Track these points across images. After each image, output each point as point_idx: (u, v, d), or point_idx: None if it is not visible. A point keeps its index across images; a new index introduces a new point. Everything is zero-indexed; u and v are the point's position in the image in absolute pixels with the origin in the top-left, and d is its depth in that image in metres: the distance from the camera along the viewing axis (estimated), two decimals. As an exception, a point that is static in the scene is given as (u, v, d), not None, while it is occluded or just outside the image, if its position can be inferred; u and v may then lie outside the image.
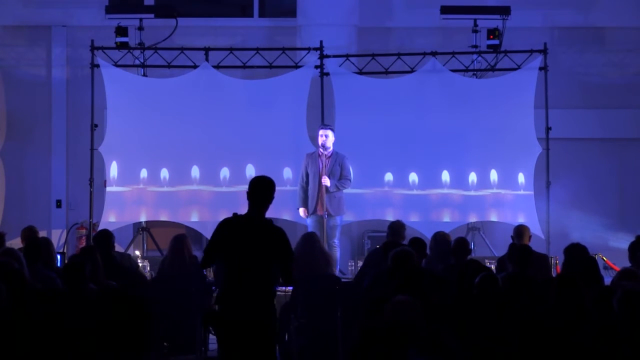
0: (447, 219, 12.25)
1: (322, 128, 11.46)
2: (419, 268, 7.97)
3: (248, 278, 6.51)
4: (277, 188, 12.44)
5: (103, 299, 4.20)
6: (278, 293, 10.20)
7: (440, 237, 9.86)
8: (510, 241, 10.06)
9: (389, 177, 12.33)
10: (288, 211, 12.08)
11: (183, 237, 9.52)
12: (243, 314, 6.48)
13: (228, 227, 6.60)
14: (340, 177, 11.36)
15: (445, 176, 12.30)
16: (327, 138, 11.33)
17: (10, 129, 14.06)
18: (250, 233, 6.57)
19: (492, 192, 12.34)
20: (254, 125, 12.28)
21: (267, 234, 6.60)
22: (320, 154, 11.32)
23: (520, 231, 10.10)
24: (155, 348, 7.96)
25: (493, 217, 12.43)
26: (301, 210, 11.41)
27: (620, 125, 14.00)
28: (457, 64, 12.57)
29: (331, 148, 11.37)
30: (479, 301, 6.87)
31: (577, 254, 8.65)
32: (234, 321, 6.49)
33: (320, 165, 11.27)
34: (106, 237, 9.17)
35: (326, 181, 11.22)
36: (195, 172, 12.23)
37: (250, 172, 12.16)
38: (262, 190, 6.70)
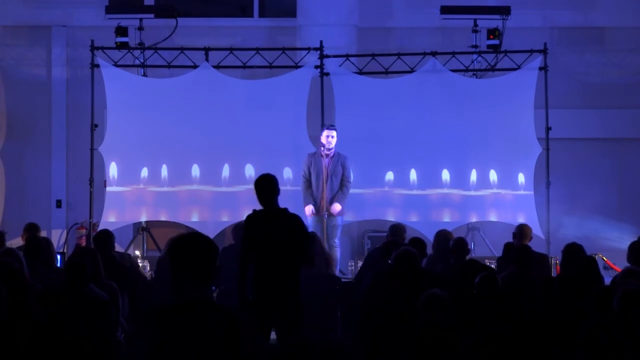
0: (447, 219, 12.25)
1: (328, 128, 11.37)
2: (420, 268, 7.98)
3: (276, 265, 7.35)
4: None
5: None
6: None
7: (442, 236, 9.89)
8: (511, 241, 10.06)
9: (389, 176, 12.32)
10: (288, 211, 12.06)
11: None
12: (275, 296, 7.31)
13: (253, 221, 7.47)
14: (342, 180, 11.30)
15: (446, 176, 12.29)
16: (334, 138, 11.28)
17: (10, 129, 14.06)
18: (270, 225, 7.40)
19: (492, 192, 12.34)
20: (254, 125, 12.27)
21: (285, 223, 7.41)
22: (322, 153, 11.28)
23: (524, 231, 10.12)
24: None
25: (493, 217, 12.42)
26: (308, 208, 11.28)
27: (620, 125, 14.00)
28: (457, 64, 12.56)
29: (334, 148, 11.34)
30: (479, 301, 6.86)
31: (574, 253, 8.65)
32: (267, 305, 7.30)
33: (323, 166, 11.22)
34: (106, 237, 9.16)
35: (337, 208, 11.21)
36: (195, 171, 12.22)
37: (250, 172, 12.15)
38: (263, 186, 7.52)
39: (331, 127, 11.49)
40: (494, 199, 12.34)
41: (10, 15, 13.93)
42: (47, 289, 7.12)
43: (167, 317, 3.97)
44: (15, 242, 10.24)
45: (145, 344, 4.08)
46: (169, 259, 4.03)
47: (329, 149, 11.26)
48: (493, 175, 12.31)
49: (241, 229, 9.94)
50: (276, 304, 7.35)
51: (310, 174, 11.35)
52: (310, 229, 11.00)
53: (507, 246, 9.60)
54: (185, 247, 3.92)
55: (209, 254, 3.89)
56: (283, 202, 12.15)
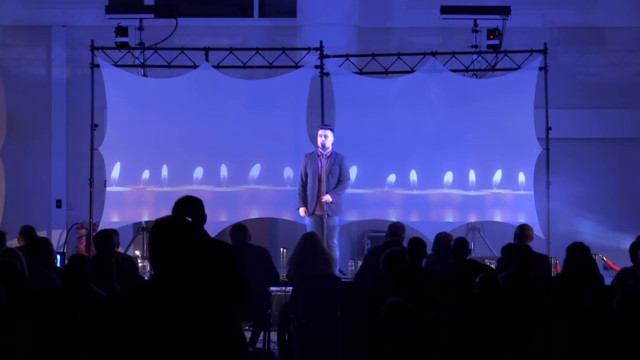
0: (448, 219, 12.25)
1: (321, 128, 11.46)
2: (412, 267, 7.97)
3: None
4: (277, 188, 12.42)
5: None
6: (278, 293, 10.26)
7: (441, 238, 9.94)
8: (511, 241, 10.07)
9: (391, 178, 12.32)
10: (288, 211, 12.07)
11: None
12: None
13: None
14: (339, 180, 11.34)
15: (447, 176, 12.30)
16: (327, 138, 11.32)
17: (10, 129, 14.06)
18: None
19: (492, 192, 12.34)
20: (254, 125, 12.27)
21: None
22: (319, 153, 11.31)
23: (525, 231, 10.13)
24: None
25: (493, 217, 12.43)
26: (301, 210, 11.40)
27: (620, 125, 14.00)
28: (457, 64, 12.56)
29: (330, 148, 11.36)
30: (479, 301, 6.87)
31: (577, 253, 8.65)
32: None
33: (320, 166, 11.26)
34: (106, 237, 9.13)
35: (327, 198, 11.22)
36: (198, 172, 12.22)
37: (250, 172, 12.17)
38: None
39: (325, 126, 11.52)
40: (494, 199, 12.34)
41: (10, 15, 13.93)
42: (47, 289, 7.11)
43: None
44: (12, 244, 10.22)
45: None
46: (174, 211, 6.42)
47: (324, 149, 11.27)
48: (493, 175, 12.32)
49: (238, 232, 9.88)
50: None
51: (306, 174, 11.38)
52: (308, 229, 11.05)
53: (506, 249, 9.55)
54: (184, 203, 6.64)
55: (199, 207, 6.69)
56: (283, 201, 12.14)
